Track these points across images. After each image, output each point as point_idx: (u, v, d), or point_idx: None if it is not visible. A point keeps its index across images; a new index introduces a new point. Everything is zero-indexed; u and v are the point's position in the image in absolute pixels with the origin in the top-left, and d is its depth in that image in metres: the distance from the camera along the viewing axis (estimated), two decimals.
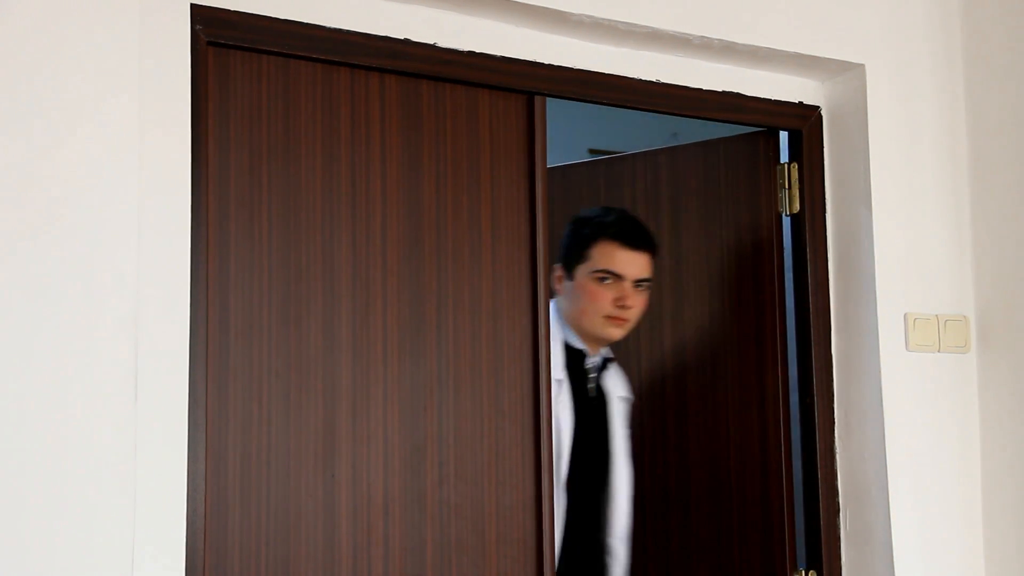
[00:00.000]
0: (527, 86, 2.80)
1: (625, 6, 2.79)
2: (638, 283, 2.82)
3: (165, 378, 2.28)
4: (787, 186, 3.19)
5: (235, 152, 2.49)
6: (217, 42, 2.45)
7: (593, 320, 2.81)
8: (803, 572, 3.09)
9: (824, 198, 3.17)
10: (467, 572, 2.65)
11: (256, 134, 2.52)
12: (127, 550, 2.18)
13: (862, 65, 3.11)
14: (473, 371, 2.70)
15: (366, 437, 2.56)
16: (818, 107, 3.20)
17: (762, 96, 3.12)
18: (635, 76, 2.94)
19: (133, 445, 2.21)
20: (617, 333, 2.84)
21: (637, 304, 2.84)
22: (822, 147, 3.19)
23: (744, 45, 2.96)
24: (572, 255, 2.87)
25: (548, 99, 2.86)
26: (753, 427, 3.22)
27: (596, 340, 2.88)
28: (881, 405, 3.00)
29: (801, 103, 3.18)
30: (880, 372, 3.01)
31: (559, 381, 2.80)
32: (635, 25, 2.81)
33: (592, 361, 2.86)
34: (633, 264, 2.81)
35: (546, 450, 2.76)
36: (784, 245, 3.22)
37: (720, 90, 3.05)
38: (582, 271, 2.82)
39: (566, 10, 2.72)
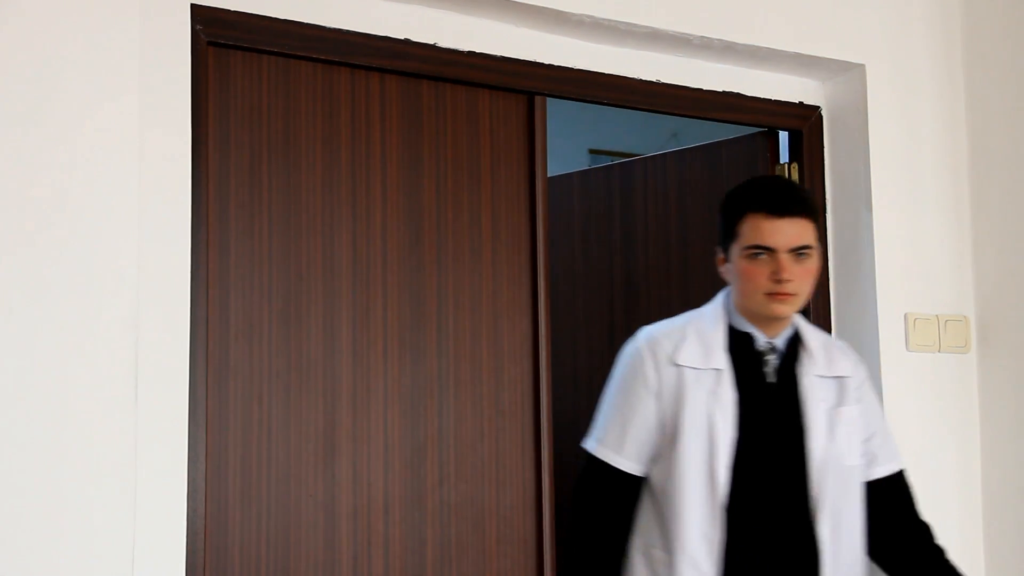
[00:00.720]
0: (527, 86, 2.80)
1: (625, 6, 2.79)
2: (797, 252, 2.55)
3: (165, 378, 2.28)
4: None
5: (235, 152, 2.49)
6: (217, 42, 2.45)
7: (755, 299, 2.55)
8: None
9: (824, 198, 3.17)
10: (467, 572, 2.65)
11: (256, 134, 2.52)
12: (127, 550, 2.18)
13: (862, 65, 3.11)
14: (473, 371, 2.70)
15: (366, 437, 2.56)
16: (818, 107, 3.20)
17: (762, 96, 3.12)
18: (635, 76, 2.94)
19: (133, 445, 2.21)
20: (784, 309, 2.55)
21: (798, 275, 2.54)
22: (822, 147, 3.19)
23: (744, 45, 2.96)
24: (726, 235, 2.65)
25: (548, 99, 2.86)
26: None
27: (769, 321, 2.60)
28: (881, 405, 3.00)
29: (801, 103, 3.18)
30: (880, 372, 3.01)
31: (718, 371, 2.55)
32: (635, 25, 2.81)
33: (766, 343, 2.58)
34: (782, 233, 2.54)
35: (546, 450, 2.76)
36: None
37: (720, 90, 3.05)
38: (735, 251, 2.58)
39: (566, 10, 2.72)
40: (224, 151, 2.48)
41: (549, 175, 2.92)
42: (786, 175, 3.19)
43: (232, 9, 2.46)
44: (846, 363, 2.69)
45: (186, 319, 2.33)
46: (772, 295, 2.52)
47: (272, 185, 2.53)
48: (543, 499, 2.74)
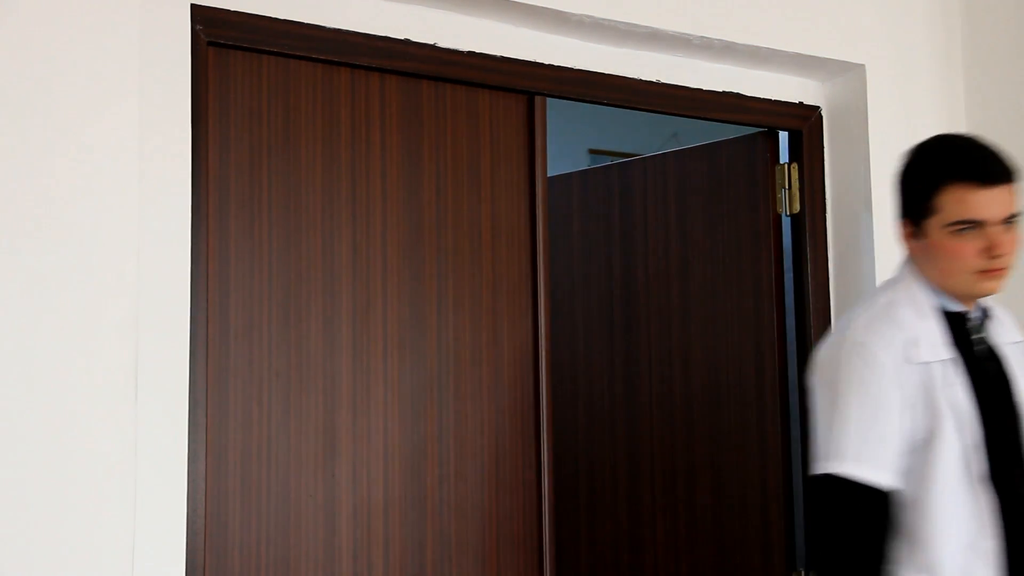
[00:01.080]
0: (527, 86, 2.80)
1: (625, 6, 2.79)
2: (1006, 221, 2.25)
3: (165, 378, 2.28)
4: (787, 186, 3.20)
5: (235, 152, 2.49)
6: (217, 42, 2.45)
7: (962, 279, 2.25)
8: (802, 572, 3.09)
9: (824, 198, 3.17)
10: (467, 572, 2.65)
11: (256, 134, 2.52)
12: (127, 550, 2.18)
13: (862, 65, 3.11)
14: (473, 371, 2.70)
15: (366, 437, 2.57)
16: (818, 107, 3.20)
17: (762, 96, 3.12)
18: (635, 76, 2.94)
19: (133, 445, 2.21)
20: (997, 286, 2.28)
21: (1010, 247, 2.25)
22: (822, 147, 3.19)
23: (744, 45, 2.96)
24: (916, 207, 2.30)
25: (548, 99, 2.86)
26: (753, 426, 3.23)
27: (971, 298, 2.31)
28: None
29: (801, 103, 3.18)
30: None
31: (946, 361, 2.23)
32: (635, 25, 2.81)
33: (972, 318, 2.30)
34: (993, 204, 2.23)
35: (546, 450, 2.76)
36: (784, 245, 3.22)
37: (720, 90, 3.05)
38: (934, 225, 2.25)
39: (566, 10, 2.72)
40: (224, 151, 2.48)
41: (549, 175, 2.92)
42: (786, 175, 3.19)
43: (232, 9, 2.46)
44: (1017, 326, 2.47)
45: (186, 319, 2.33)
46: (985, 272, 2.24)
47: (272, 185, 2.53)
48: (543, 499, 2.74)
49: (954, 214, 2.21)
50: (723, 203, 3.33)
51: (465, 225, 2.74)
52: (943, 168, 2.25)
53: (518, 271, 2.79)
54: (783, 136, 3.24)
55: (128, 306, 2.23)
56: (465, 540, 2.66)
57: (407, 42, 2.65)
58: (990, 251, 2.21)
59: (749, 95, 3.10)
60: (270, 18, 2.50)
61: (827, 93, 3.21)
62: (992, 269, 2.22)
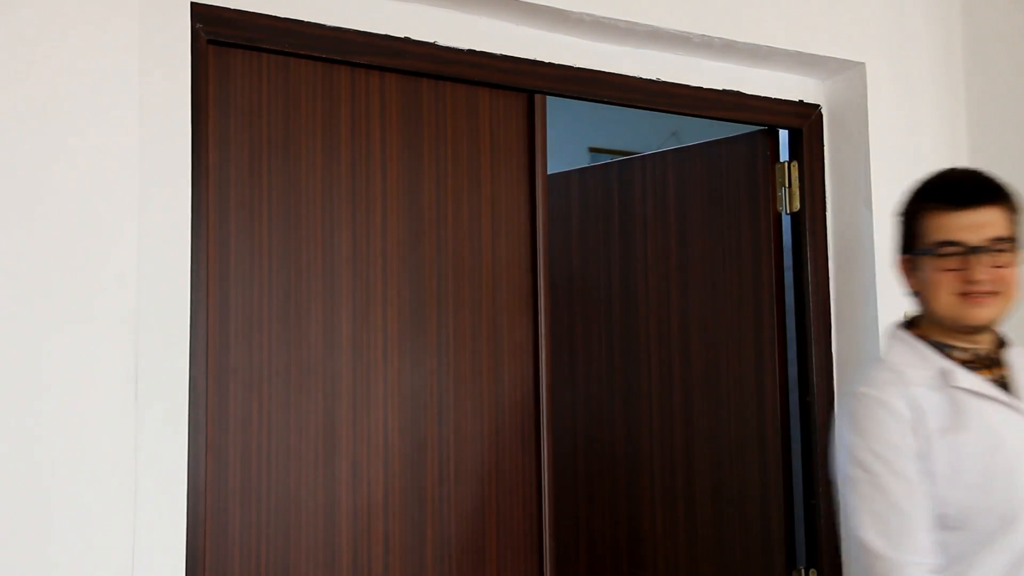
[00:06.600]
0: (527, 84, 2.80)
1: (626, 5, 2.78)
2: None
3: (165, 378, 2.28)
4: (787, 185, 3.19)
5: (235, 151, 2.49)
6: (217, 40, 2.45)
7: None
8: (803, 571, 3.10)
9: (824, 197, 3.17)
10: (467, 571, 2.65)
11: (256, 133, 2.52)
12: (128, 550, 2.18)
13: (862, 64, 3.11)
14: (473, 371, 2.70)
15: (366, 436, 2.56)
16: (818, 105, 3.20)
17: (762, 94, 3.11)
18: (635, 75, 2.94)
19: (133, 445, 2.20)
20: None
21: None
22: (822, 146, 3.19)
23: (744, 43, 2.96)
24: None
25: (548, 97, 2.86)
26: (753, 425, 3.23)
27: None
28: None
29: (801, 101, 3.18)
30: None
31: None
32: (635, 24, 2.81)
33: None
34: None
35: (546, 450, 2.76)
36: (784, 244, 3.22)
37: (720, 88, 3.05)
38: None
39: (567, 8, 2.71)
40: (224, 150, 2.48)
41: (549, 173, 2.92)
42: (786, 173, 3.19)
43: (232, 8, 2.45)
44: None
45: (186, 318, 2.33)
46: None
47: (272, 184, 2.53)
48: (543, 499, 2.74)
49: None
50: (723, 201, 3.33)
51: (465, 223, 2.73)
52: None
53: (518, 270, 2.79)
54: (783, 134, 3.24)
55: (128, 306, 2.22)
56: (465, 540, 2.66)
57: (407, 40, 2.65)
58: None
59: (749, 93, 3.09)
60: (270, 16, 2.50)
61: (827, 91, 3.21)
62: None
